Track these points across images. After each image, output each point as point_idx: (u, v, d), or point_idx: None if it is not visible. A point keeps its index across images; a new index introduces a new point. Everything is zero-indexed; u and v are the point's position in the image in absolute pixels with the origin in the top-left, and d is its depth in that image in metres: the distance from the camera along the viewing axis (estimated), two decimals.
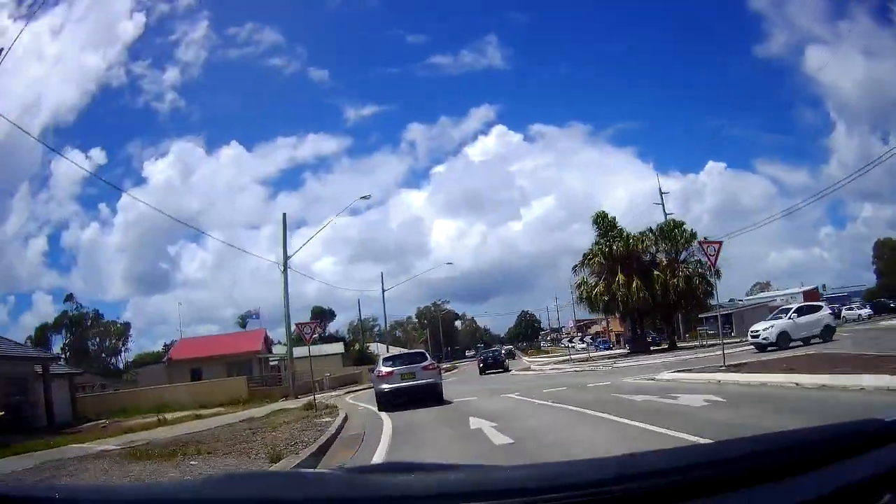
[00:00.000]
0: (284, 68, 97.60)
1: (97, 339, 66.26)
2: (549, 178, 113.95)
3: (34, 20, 63.74)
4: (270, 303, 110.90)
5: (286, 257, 30.04)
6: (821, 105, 79.08)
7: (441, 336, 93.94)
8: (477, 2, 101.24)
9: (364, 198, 36.68)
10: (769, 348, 22.41)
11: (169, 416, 18.90)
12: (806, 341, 22.19)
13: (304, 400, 20.99)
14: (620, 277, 37.38)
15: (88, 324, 63.72)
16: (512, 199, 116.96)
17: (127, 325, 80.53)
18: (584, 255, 40.30)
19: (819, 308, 24.71)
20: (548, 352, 77.06)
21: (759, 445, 1.61)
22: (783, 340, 22.63)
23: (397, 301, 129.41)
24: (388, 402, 15.35)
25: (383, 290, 53.99)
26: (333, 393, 29.25)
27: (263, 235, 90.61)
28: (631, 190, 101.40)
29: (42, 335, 57.43)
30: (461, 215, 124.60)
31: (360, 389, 31.80)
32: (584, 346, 56.60)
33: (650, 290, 36.60)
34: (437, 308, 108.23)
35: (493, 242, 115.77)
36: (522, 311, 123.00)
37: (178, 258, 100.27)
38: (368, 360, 56.61)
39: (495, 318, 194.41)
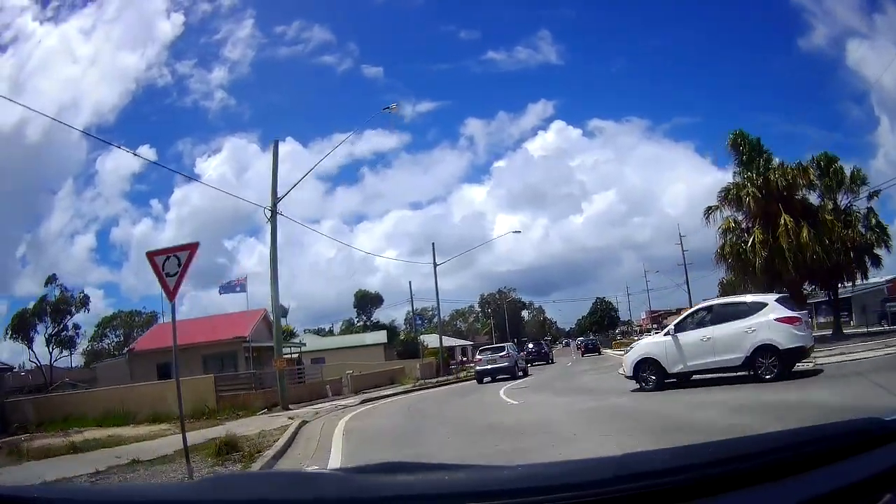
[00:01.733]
0: (337, 66, 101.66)
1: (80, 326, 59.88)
2: (608, 173, 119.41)
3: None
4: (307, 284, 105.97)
5: (275, 199, 23.12)
6: (865, 99, 75.16)
7: (507, 326, 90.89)
8: None
9: (387, 109, 29.19)
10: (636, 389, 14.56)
11: (95, 433, 15.64)
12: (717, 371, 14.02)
13: (296, 411, 18.40)
14: (787, 219, 27.64)
15: (72, 309, 56.39)
16: (572, 193, 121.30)
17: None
18: (723, 190, 30.88)
19: (746, 311, 14.11)
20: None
21: (759, 445, 1.66)
22: (647, 377, 14.84)
23: (459, 292, 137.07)
24: (481, 376, 29.11)
25: (435, 265, 45.91)
26: (345, 401, 22.89)
27: (324, 229, 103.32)
28: (690, 184, 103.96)
29: (20, 322, 45.97)
30: (523, 210, 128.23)
31: (393, 395, 26.40)
32: None
33: (821, 244, 27.07)
34: (502, 296, 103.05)
35: (555, 237, 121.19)
36: (597, 298, 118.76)
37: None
38: (416, 352, 51.76)
39: (560, 310, 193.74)
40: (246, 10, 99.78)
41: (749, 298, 14.77)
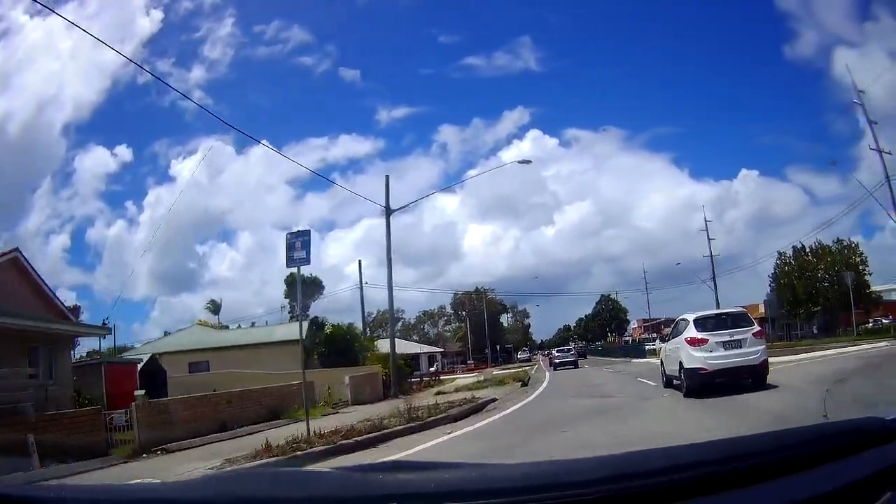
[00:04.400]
0: (315, 68, 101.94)
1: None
2: (583, 184, 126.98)
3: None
4: None
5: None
6: (850, 110, 62.70)
7: (486, 330, 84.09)
8: (511, 3, 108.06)
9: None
10: None
11: None
12: None
13: None
14: None
15: None
16: (546, 204, 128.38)
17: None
18: None
19: (684, 328, 15.92)
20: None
21: (759, 443, 1.73)
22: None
23: (428, 304, 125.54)
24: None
25: (388, 210, 32.46)
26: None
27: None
28: (666, 196, 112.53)
29: None
30: (495, 220, 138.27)
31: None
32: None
33: None
34: (479, 296, 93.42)
35: (527, 247, 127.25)
36: (602, 295, 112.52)
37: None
38: (352, 355, 37.02)
39: (540, 316, 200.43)
40: (226, 10, 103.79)
41: (687, 316, 16.05)
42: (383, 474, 1.74)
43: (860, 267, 49.52)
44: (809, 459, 1.58)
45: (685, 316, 16.26)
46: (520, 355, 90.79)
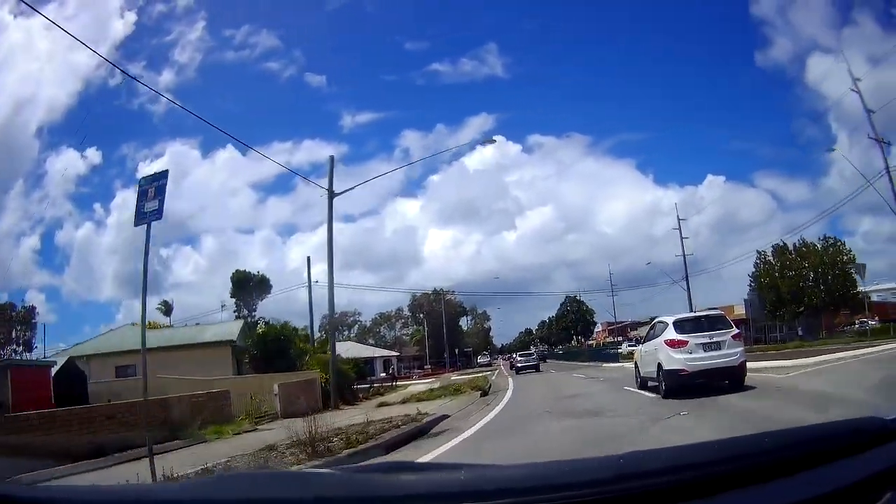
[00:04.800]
0: (281, 72, 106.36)
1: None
2: (546, 190, 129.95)
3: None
4: None
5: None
6: (822, 116, 77.06)
7: (445, 333, 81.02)
8: (478, 9, 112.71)
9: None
10: None
11: None
12: None
13: None
14: None
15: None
16: (508, 209, 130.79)
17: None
18: None
19: (662, 330, 16.29)
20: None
21: (759, 443, 1.71)
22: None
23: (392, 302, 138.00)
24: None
25: (331, 193, 27.12)
26: None
27: (257, 240, 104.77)
28: (629, 201, 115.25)
29: None
30: (456, 225, 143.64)
31: None
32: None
33: None
34: (437, 298, 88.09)
35: (489, 253, 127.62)
36: (567, 296, 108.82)
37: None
38: (289, 359, 33.09)
39: (502, 320, 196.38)
40: (198, 13, 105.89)
41: (666, 318, 16.64)
42: (384, 475, 1.75)
43: (848, 266, 46.76)
44: (810, 459, 1.61)
45: (663, 318, 17.01)
46: (480, 360, 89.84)
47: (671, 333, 15.09)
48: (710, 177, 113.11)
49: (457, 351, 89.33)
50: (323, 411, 21.54)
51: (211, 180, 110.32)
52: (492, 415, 15.60)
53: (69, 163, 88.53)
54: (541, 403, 17.43)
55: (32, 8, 27.98)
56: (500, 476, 1.62)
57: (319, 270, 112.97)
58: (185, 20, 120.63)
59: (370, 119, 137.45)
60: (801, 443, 1.72)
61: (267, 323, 35.25)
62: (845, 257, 48.94)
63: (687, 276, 56.99)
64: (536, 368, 50.88)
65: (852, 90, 37.05)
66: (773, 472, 1.51)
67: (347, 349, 55.85)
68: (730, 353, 14.46)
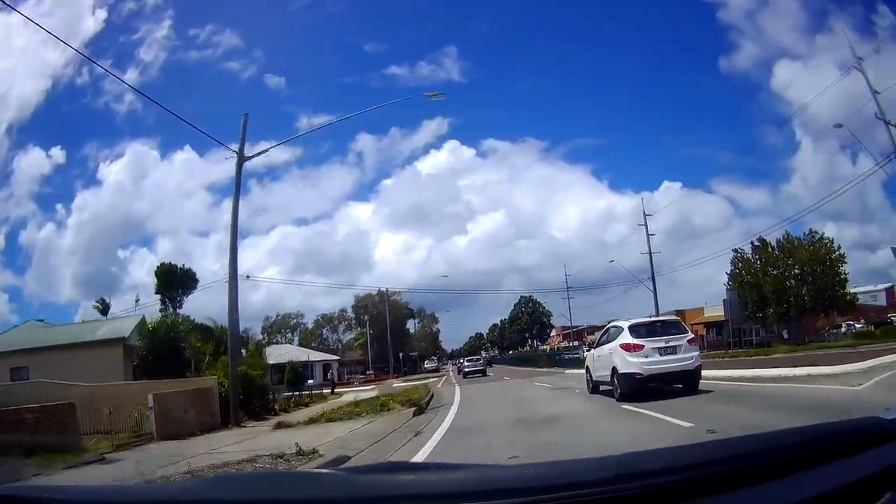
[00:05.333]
0: (241, 73, 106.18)
1: None
2: (499, 195, 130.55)
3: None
4: None
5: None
6: (786, 123, 77.61)
7: (389, 336, 73.46)
8: (439, 12, 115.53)
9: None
10: None
11: None
12: None
13: None
14: None
15: None
16: (460, 214, 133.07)
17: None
18: None
19: (616, 334, 16.52)
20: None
21: (759, 443, 1.74)
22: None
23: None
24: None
25: (240, 158, 21.79)
26: None
27: (211, 243, 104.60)
28: (583, 207, 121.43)
29: None
30: (408, 229, 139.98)
31: None
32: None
33: None
34: (382, 298, 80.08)
35: (439, 257, 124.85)
36: (522, 297, 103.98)
37: None
38: (183, 363, 27.38)
39: (452, 325, 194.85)
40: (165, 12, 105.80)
41: (621, 323, 17.63)
42: (384, 475, 1.78)
43: (838, 265, 44.80)
44: (810, 460, 1.63)
45: (618, 322, 17.97)
46: (427, 365, 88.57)
47: (627, 338, 15.63)
48: (666, 182, 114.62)
49: (401, 355, 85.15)
50: (220, 429, 18.94)
51: (168, 181, 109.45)
52: (420, 454, 9.82)
53: (34, 162, 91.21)
54: (502, 432, 11.58)
55: (14, 9, 23.00)
56: (500, 476, 1.64)
57: (273, 272, 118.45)
58: (152, 19, 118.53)
59: (326, 121, 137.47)
60: (800, 443, 1.75)
61: (160, 319, 29.19)
62: (834, 254, 44.81)
63: (654, 276, 55.35)
64: (483, 373, 53.80)
65: (855, 68, 35.05)
66: (773, 473, 1.53)
67: (284, 353, 53.74)
68: (685, 357, 15.06)
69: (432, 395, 24.13)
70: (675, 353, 15.02)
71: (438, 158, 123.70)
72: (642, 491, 1.39)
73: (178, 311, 59.54)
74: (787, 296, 44.91)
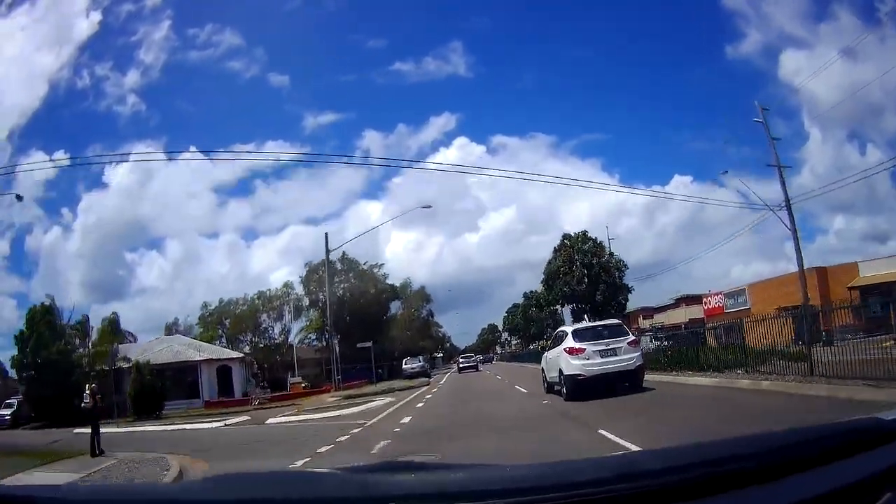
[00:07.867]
0: (244, 73, 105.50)
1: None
2: (509, 191, 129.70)
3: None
4: None
5: None
6: (795, 114, 73.68)
7: (328, 317, 45.68)
8: (444, 7, 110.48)
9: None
10: None
11: None
12: None
13: None
14: None
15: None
16: (470, 211, 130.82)
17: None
18: None
19: (562, 338, 18.61)
20: None
21: (759, 444, 1.75)
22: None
23: None
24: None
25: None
26: None
27: (220, 245, 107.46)
28: (593, 202, 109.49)
29: None
30: (418, 227, 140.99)
31: None
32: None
33: None
34: (350, 266, 60.46)
35: (450, 255, 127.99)
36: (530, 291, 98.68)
37: None
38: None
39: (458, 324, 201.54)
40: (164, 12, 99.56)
41: (566, 328, 19.39)
42: (384, 475, 1.80)
43: None
44: (810, 460, 1.65)
45: (564, 328, 20.16)
46: (407, 366, 54.53)
47: (570, 342, 17.30)
48: (676, 177, 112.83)
49: (375, 353, 53.09)
50: None
51: (174, 184, 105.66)
52: None
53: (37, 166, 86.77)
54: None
55: None
56: (499, 476, 1.65)
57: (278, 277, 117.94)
58: (151, 20, 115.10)
59: (332, 119, 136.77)
60: (800, 443, 1.77)
61: None
62: None
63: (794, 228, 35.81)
64: (475, 368, 60.69)
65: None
66: (773, 473, 1.55)
67: (164, 347, 43.53)
68: (627, 359, 16.57)
69: None
70: (617, 355, 16.53)
71: (447, 156, 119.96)
72: (642, 491, 1.40)
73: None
74: None
